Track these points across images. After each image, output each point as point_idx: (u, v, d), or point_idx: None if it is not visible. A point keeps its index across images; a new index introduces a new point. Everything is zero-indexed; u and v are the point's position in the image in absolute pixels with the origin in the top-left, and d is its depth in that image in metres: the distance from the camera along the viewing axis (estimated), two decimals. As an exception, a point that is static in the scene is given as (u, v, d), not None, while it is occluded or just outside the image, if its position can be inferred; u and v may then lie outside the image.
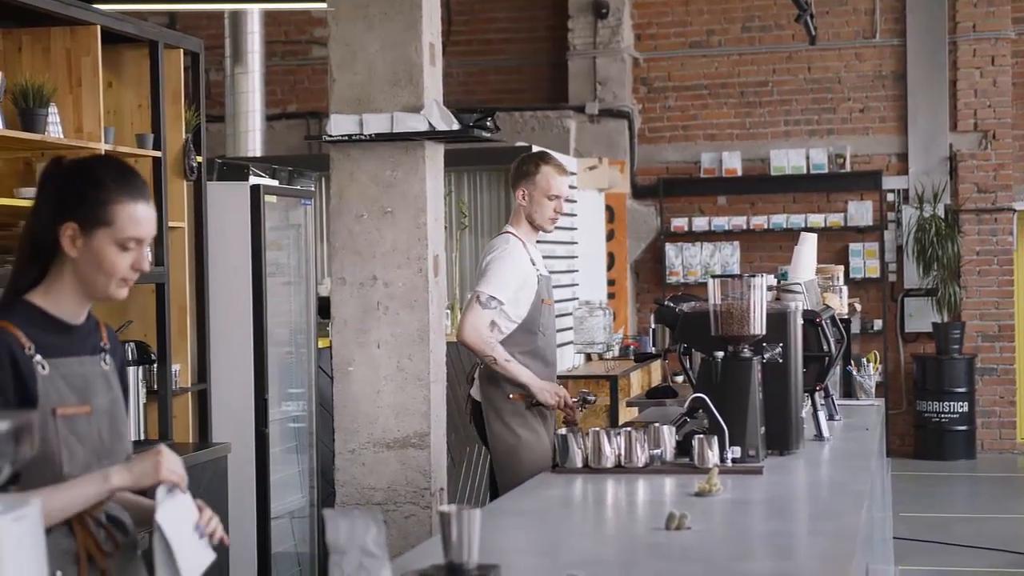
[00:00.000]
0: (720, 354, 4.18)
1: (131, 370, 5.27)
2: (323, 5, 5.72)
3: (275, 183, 7.31)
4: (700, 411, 4.15)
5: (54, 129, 5.36)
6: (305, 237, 6.91)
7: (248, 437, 6.31)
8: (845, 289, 6.77)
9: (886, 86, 12.31)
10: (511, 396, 5.15)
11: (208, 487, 5.58)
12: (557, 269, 8.85)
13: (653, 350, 9.31)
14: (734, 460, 4.05)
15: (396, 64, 5.01)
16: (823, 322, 4.82)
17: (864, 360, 6.40)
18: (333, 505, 5.63)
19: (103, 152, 5.57)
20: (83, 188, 2.65)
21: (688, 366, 4.58)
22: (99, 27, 5.55)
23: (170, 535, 2.58)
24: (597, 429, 4.08)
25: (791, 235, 11.49)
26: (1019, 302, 12.26)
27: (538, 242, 5.43)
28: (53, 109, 5.36)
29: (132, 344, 5.66)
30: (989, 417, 12.09)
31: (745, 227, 12.31)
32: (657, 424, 4.15)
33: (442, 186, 5.27)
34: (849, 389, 6.32)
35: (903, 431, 12.05)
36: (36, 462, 2.56)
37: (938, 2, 12.10)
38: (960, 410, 11.76)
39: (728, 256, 12.36)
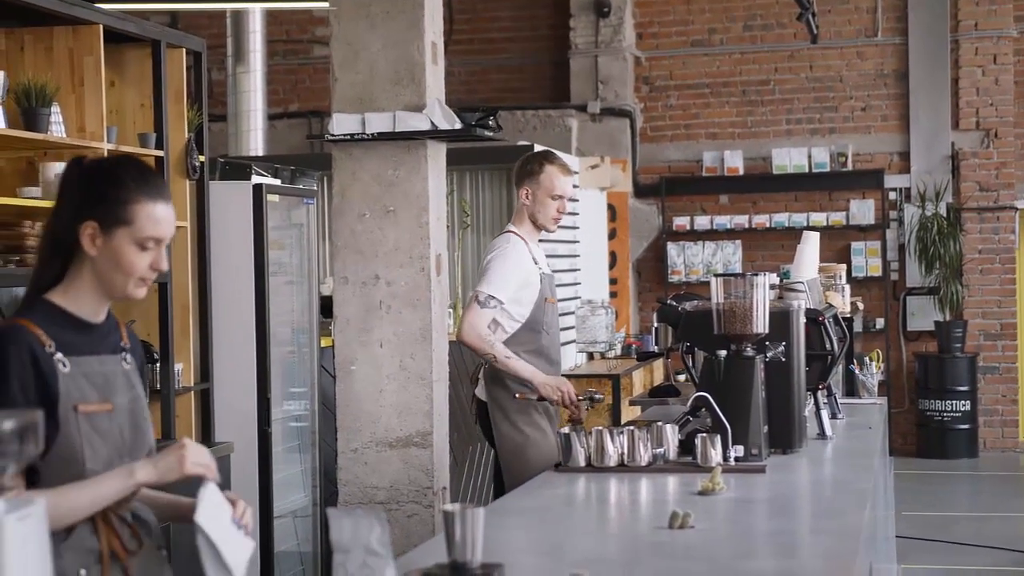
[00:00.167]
0: (723, 353, 4.18)
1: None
2: (325, 4, 5.73)
3: (277, 182, 7.32)
4: (703, 410, 4.14)
5: (57, 128, 5.36)
6: (307, 236, 6.91)
7: (251, 436, 6.32)
8: (847, 288, 6.77)
9: (888, 84, 12.31)
10: (516, 395, 5.15)
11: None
12: (559, 268, 8.85)
13: (655, 349, 9.34)
14: (737, 459, 4.05)
15: (398, 63, 5.01)
16: (826, 321, 4.82)
17: (867, 359, 6.41)
18: (335, 504, 5.63)
19: (105, 152, 5.57)
20: (103, 187, 2.67)
21: (691, 365, 4.58)
22: (101, 26, 5.56)
23: (213, 534, 2.60)
24: (600, 428, 4.08)
25: (793, 234, 11.50)
26: (1021, 300, 12.25)
27: (540, 241, 5.42)
28: (56, 108, 5.37)
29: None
30: (991, 416, 12.09)
31: (747, 226, 12.30)
32: (660, 423, 4.15)
33: (444, 185, 5.27)
34: (852, 388, 6.33)
35: (905, 430, 12.05)
36: (59, 459, 2.58)
37: (940, 0, 12.10)
38: (962, 409, 11.76)
39: (730, 255, 12.35)
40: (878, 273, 12.14)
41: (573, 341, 9.53)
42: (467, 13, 12.96)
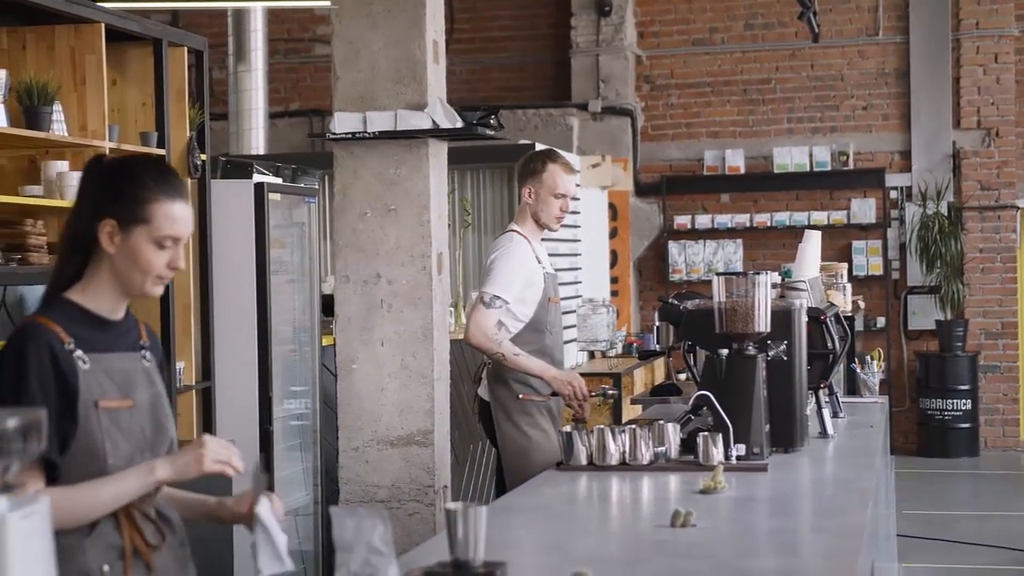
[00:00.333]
0: (724, 351, 4.17)
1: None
2: (326, 3, 5.73)
3: (278, 181, 7.32)
4: (704, 408, 4.14)
5: (58, 127, 5.36)
6: (309, 235, 6.91)
7: (252, 435, 6.32)
8: (849, 286, 6.78)
9: (889, 83, 12.31)
10: (520, 396, 5.14)
11: (211, 485, 5.58)
12: (560, 267, 8.85)
13: (657, 347, 9.35)
14: (739, 457, 4.05)
15: (400, 62, 5.01)
16: (827, 319, 4.82)
17: (868, 357, 6.41)
18: (336, 503, 5.63)
19: (107, 150, 5.57)
20: (122, 186, 2.69)
21: (692, 363, 4.58)
22: (103, 25, 5.56)
23: (271, 527, 2.69)
24: (602, 427, 4.08)
25: (794, 233, 11.50)
26: (1022, 299, 12.25)
27: (542, 240, 5.41)
28: (57, 107, 5.37)
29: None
30: (992, 415, 12.09)
31: (748, 225, 12.31)
32: (662, 421, 4.15)
33: (445, 184, 5.26)
34: (853, 386, 6.33)
35: (906, 428, 12.05)
36: (80, 455, 2.60)
37: (941, -1, 12.11)
38: (963, 407, 11.76)
39: (731, 254, 12.36)
40: (879, 272, 12.14)
41: (574, 340, 9.53)
42: (468, 12, 12.96)
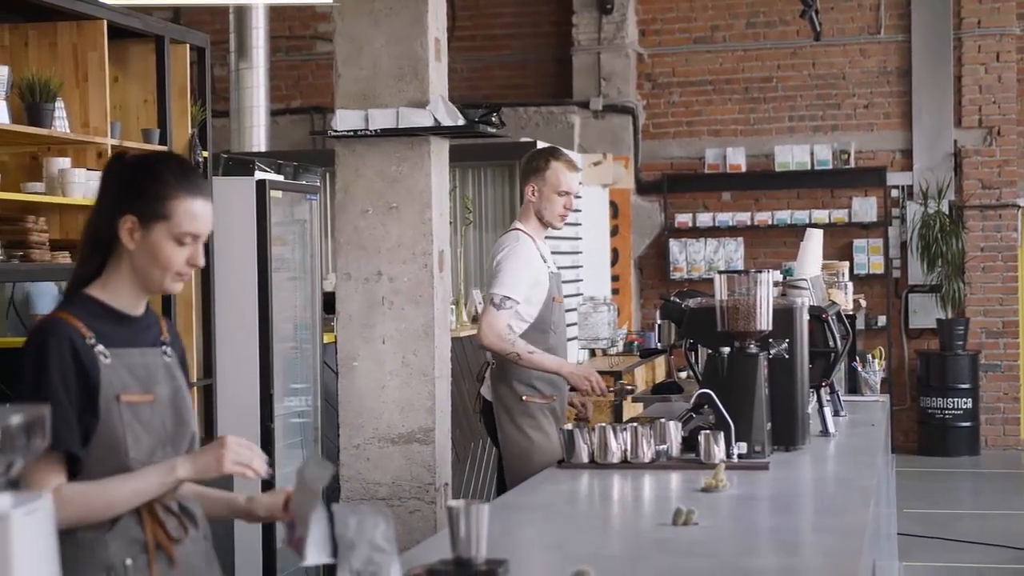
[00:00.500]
0: (726, 350, 4.17)
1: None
2: (328, 0, 5.72)
3: (280, 178, 7.33)
4: (706, 407, 4.14)
5: (60, 124, 5.36)
6: (310, 232, 6.91)
7: (253, 432, 6.32)
8: (850, 285, 6.78)
9: (891, 82, 12.30)
10: (524, 398, 5.12)
11: (212, 482, 5.58)
12: (561, 265, 8.85)
13: (658, 345, 9.35)
14: (740, 456, 4.05)
15: (401, 59, 5.01)
16: (829, 318, 4.82)
17: (869, 356, 6.41)
18: (337, 500, 5.63)
19: (109, 148, 5.58)
20: (143, 182, 2.70)
21: (694, 361, 4.58)
22: (105, 22, 5.56)
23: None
24: (603, 424, 4.08)
25: (795, 231, 11.51)
26: (1023, 298, 12.25)
27: (545, 238, 5.40)
28: (59, 104, 5.37)
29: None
30: (993, 413, 12.09)
31: (749, 223, 12.30)
32: (663, 420, 4.15)
33: (447, 181, 5.26)
34: (854, 385, 6.32)
35: (907, 427, 12.05)
36: (101, 449, 2.61)
37: (943, -2, 12.10)
38: (964, 406, 11.76)
39: (732, 252, 12.36)
40: (880, 271, 12.14)
41: (575, 338, 9.53)
42: (470, 9, 12.96)
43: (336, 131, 5.03)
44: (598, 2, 12.44)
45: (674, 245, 12.42)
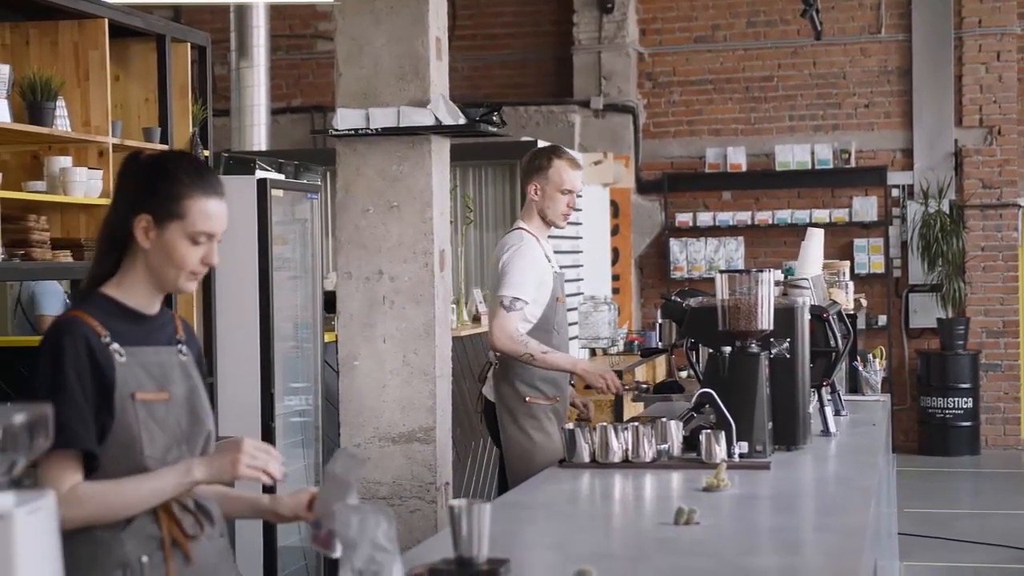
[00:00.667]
0: (727, 349, 4.17)
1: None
2: (330, -1, 5.72)
3: (281, 177, 7.32)
4: (707, 406, 4.14)
5: (61, 122, 5.36)
6: (311, 231, 6.91)
7: (254, 431, 6.31)
8: (851, 284, 6.77)
9: (891, 81, 12.30)
10: (527, 399, 5.11)
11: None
12: (562, 264, 8.85)
13: (659, 345, 9.35)
14: (741, 455, 4.05)
15: (402, 58, 5.01)
16: (830, 317, 4.82)
17: (870, 356, 6.40)
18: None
19: (110, 146, 5.58)
20: (158, 182, 2.72)
21: (695, 361, 4.58)
22: (106, 21, 5.56)
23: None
24: (604, 424, 4.08)
25: (796, 231, 11.51)
26: (1023, 298, 12.26)
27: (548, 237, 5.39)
28: (61, 102, 5.37)
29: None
30: (993, 413, 12.09)
31: (749, 222, 12.30)
32: (664, 419, 4.15)
33: (448, 180, 5.26)
34: (855, 384, 6.32)
35: (907, 427, 12.05)
36: (117, 447, 2.62)
37: (943, -3, 12.10)
38: (964, 406, 11.75)
39: (732, 251, 12.35)
40: (880, 270, 12.14)
41: (576, 337, 9.54)
42: (470, 9, 12.96)
43: (337, 130, 5.03)
44: (599, 1, 12.44)
45: (674, 244, 12.42)
